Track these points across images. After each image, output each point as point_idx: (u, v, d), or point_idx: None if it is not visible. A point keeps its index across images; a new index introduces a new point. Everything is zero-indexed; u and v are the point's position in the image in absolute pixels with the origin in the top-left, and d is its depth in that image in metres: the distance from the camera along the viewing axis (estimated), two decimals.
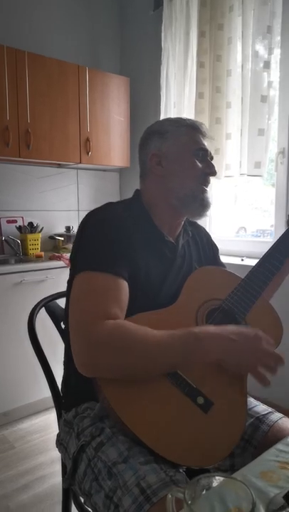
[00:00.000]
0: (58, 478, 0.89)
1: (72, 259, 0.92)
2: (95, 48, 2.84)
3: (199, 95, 2.22)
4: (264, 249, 1.06)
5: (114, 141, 2.67)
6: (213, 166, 0.99)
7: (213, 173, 0.98)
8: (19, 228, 2.48)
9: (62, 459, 0.98)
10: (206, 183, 0.98)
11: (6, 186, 2.53)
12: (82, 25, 2.75)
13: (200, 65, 2.20)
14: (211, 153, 1.01)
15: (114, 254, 0.86)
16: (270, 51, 1.94)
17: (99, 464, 0.79)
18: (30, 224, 2.52)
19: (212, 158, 1.02)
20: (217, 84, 2.14)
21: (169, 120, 1.02)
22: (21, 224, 2.54)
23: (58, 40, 2.63)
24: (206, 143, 1.00)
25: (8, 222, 2.52)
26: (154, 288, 0.93)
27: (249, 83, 2.02)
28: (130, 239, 0.90)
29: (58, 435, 0.98)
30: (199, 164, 0.97)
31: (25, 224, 2.54)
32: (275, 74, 1.98)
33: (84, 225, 0.91)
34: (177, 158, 0.97)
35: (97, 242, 0.87)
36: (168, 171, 0.97)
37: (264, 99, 1.98)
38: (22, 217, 2.58)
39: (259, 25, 1.95)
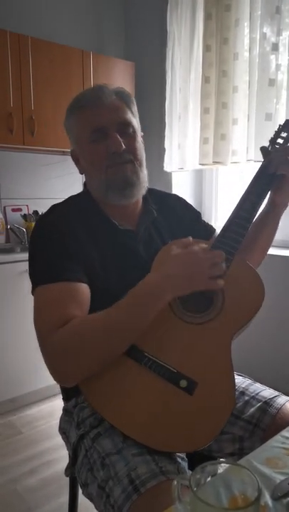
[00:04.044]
0: (64, 464, 0.90)
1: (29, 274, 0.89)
2: (98, 33, 2.79)
3: (205, 79, 2.18)
4: None
5: None
6: (113, 141, 0.88)
7: (114, 148, 0.89)
8: (24, 216, 2.48)
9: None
10: (114, 163, 0.90)
11: (11, 174, 2.51)
12: (86, 9, 2.70)
13: (206, 48, 2.16)
14: (116, 122, 0.90)
15: (64, 259, 0.84)
16: (278, 33, 1.89)
17: (94, 455, 0.79)
18: (36, 212, 2.51)
19: (122, 122, 0.91)
20: (224, 68, 2.10)
21: (67, 109, 0.98)
22: (26, 212, 2.53)
23: (61, 25, 2.58)
24: (105, 112, 0.90)
25: (13, 210, 2.52)
26: (114, 282, 0.88)
27: (256, 67, 1.98)
28: (79, 237, 0.88)
29: (60, 424, 0.98)
30: (98, 148, 0.90)
31: (31, 212, 2.53)
32: (283, 57, 1.93)
33: (31, 237, 0.91)
34: (81, 154, 0.96)
35: (45, 253, 0.86)
36: (83, 167, 0.98)
37: (272, 82, 1.93)
38: (27, 206, 2.57)
39: (268, 5, 1.90)
